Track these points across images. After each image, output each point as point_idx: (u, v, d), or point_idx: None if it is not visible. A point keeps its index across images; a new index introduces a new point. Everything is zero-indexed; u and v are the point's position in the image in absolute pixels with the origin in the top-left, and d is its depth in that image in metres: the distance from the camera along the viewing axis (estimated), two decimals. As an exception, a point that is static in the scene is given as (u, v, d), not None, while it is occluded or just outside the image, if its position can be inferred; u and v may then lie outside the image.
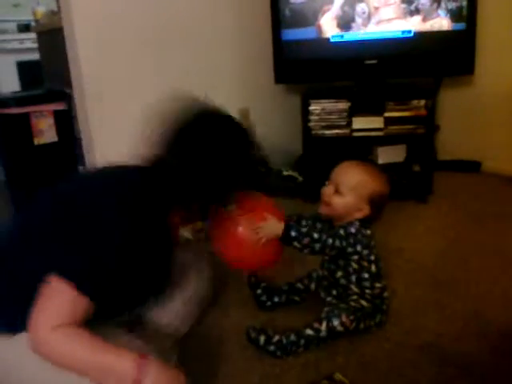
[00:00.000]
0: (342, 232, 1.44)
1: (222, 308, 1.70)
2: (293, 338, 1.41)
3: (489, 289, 1.72)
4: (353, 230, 1.44)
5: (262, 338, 1.43)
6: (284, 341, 1.41)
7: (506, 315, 1.56)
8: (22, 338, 1.02)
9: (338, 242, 1.43)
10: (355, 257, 1.46)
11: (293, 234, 1.41)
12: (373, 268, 1.48)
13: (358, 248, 1.44)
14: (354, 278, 1.47)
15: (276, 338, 1.42)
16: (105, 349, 1.03)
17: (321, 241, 1.41)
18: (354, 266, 1.47)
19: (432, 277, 1.81)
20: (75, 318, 1.01)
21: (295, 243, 1.42)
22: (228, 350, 1.48)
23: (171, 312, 1.42)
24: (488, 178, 2.82)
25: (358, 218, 1.47)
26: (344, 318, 1.41)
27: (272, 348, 1.41)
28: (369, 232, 1.48)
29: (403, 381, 1.31)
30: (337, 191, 1.48)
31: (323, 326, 1.41)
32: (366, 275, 1.47)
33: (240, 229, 1.39)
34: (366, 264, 1.47)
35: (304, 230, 1.44)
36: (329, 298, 1.50)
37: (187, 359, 1.37)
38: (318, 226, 1.57)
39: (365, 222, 1.48)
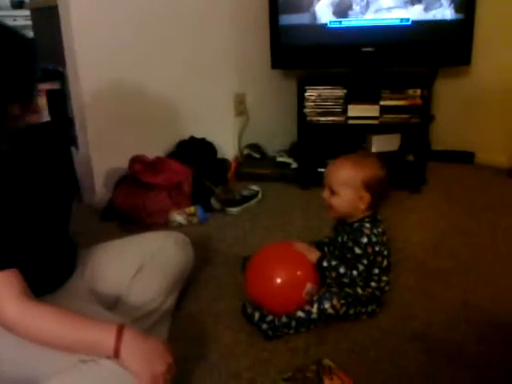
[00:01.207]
0: (358, 251, 1.46)
1: (215, 292, 1.70)
2: (284, 319, 1.43)
3: (478, 279, 1.73)
4: (365, 240, 1.45)
5: (257, 315, 1.46)
6: (276, 322, 1.43)
7: (495, 305, 1.58)
8: None
9: (361, 267, 1.46)
10: (372, 257, 1.47)
11: (324, 264, 1.48)
12: (384, 262, 1.50)
13: (377, 248, 1.47)
14: (364, 273, 1.47)
15: (270, 317, 1.45)
16: (82, 323, 1.03)
17: (347, 276, 1.46)
18: (369, 263, 1.48)
19: (423, 266, 1.83)
20: (19, 290, 1.00)
21: (326, 273, 1.48)
22: (219, 334, 1.48)
23: (153, 287, 1.41)
24: (481, 169, 2.82)
25: (364, 211, 1.49)
26: (335, 301, 1.43)
27: (265, 326, 1.44)
28: (380, 230, 1.49)
29: (392, 368, 1.32)
30: (332, 193, 1.50)
31: (314, 309, 1.43)
32: (377, 270, 1.49)
33: (281, 281, 1.47)
34: (379, 259, 1.48)
35: (334, 262, 1.48)
36: (329, 280, 1.51)
37: (179, 342, 1.37)
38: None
39: (375, 220, 1.50)
